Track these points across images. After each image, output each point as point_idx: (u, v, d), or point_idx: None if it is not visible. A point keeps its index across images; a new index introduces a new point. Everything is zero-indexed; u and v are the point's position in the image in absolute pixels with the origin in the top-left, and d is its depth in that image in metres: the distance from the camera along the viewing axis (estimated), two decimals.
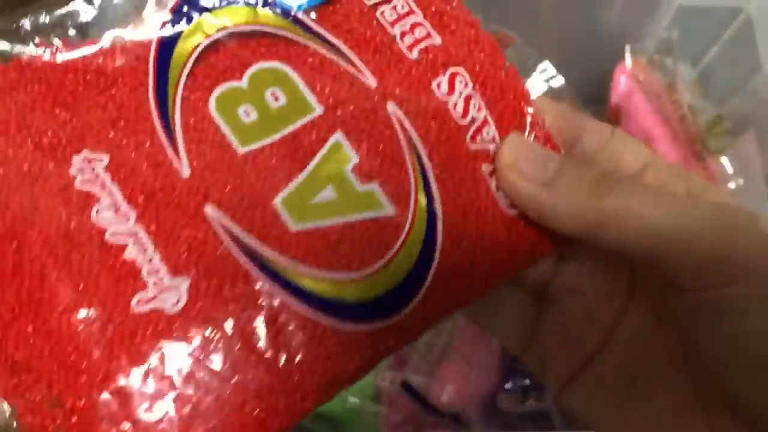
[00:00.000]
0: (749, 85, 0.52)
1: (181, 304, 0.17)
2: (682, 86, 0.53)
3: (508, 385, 0.50)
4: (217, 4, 0.19)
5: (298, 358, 0.17)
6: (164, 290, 0.17)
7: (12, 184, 0.17)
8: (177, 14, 0.19)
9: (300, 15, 0.20)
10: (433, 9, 0.21)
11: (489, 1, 0.55)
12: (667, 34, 0.54)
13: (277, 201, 0.18)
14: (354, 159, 0.19)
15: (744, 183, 0.49)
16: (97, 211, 0.17)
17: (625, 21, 0.55)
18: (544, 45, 0.57)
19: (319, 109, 0.19)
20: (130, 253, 0.17)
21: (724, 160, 0.50)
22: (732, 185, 0.50)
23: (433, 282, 0.18)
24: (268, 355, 0.17)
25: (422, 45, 0.20)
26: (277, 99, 0.19)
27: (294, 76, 0.19)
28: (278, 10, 0.20)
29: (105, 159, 0.18)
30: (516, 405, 0.50)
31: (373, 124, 0.19)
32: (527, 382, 0.50)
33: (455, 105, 0.20)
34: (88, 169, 0.17)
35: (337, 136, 0.19)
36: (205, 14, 0.19)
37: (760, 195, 0.49)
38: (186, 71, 0.19)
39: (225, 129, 0.18)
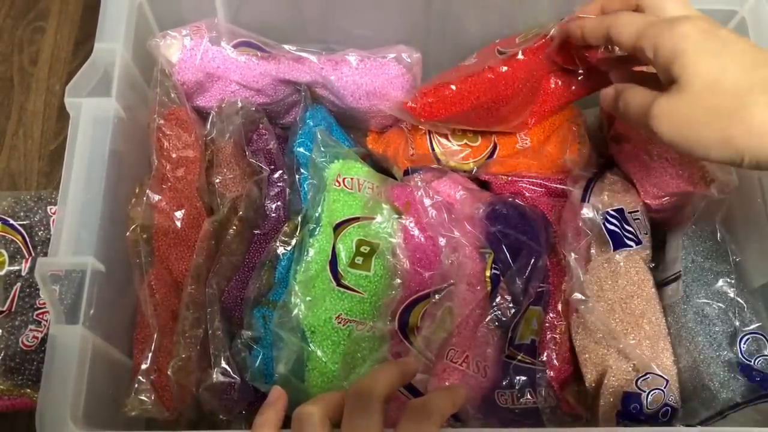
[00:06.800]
0: None
1: None
2: None
3: (505, 382, 0.51)
4: None
5: None
6: None
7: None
8: None
9: None
10: None
11: (488, 5, 0.57)
12: None
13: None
14: None
15: (738, 180, 0.50)
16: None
17: None
18: None
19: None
20: None
21: None
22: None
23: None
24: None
25: None
26: None
27: None
28: None
29: None
30: (513, 401, 0.51)
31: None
32: (524, 378, 0.51)
33: None
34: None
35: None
36: None
37: (754, 192, 0.50)
38: None
39: None
